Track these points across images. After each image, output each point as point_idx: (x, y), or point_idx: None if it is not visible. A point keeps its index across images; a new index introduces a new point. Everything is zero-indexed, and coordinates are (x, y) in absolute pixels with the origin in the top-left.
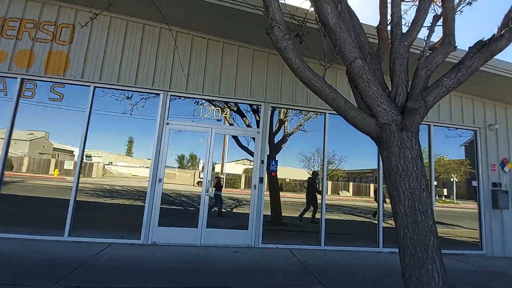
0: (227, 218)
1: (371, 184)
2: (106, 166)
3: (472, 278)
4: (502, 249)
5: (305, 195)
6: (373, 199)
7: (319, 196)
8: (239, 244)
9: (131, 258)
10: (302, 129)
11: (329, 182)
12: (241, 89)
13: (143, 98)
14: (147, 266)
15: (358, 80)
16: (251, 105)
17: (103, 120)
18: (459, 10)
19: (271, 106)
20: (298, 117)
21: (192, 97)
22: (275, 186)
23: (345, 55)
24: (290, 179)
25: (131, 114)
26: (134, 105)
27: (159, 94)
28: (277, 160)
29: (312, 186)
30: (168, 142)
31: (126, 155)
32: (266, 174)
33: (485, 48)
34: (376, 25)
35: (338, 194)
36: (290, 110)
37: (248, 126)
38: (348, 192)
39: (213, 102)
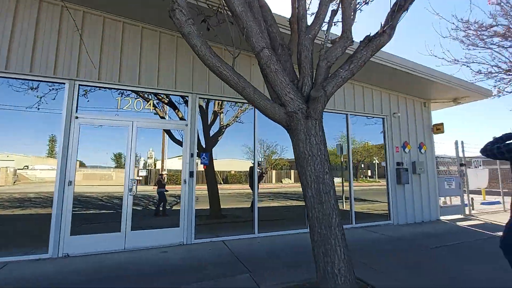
0: (163, 218)
1: None
2: (19, 171)
3: (377, 243)
4: (405, 217)
5: (248, 185)
6: None
7: (261, 186)
8: (171, 243)
9: (33, 278)
10: (239, 120)
11: (273, 171)
12: (165, 79)
13: (52, 89)
14: (54, 285)
15: (266, 70)
16: (182, 97)
17: (6, 116)
18: (358, 8)
19: (200, 98)
20: (233, 109)
21: (106, 87)
22: (213, 179)
23: (253, 44)
24: (235, 171)
25: (38, 109)
26: (41, 98)
27: (64, 83)
28: (208, 153)
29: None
30: (78, 138)
31: (48, 156)
32: (203, 167)
33: (371, 42)
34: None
35: (281, 181)
36: (225, 102)
37: (182, 119)
38: (290, 179)
39: (141, 94)
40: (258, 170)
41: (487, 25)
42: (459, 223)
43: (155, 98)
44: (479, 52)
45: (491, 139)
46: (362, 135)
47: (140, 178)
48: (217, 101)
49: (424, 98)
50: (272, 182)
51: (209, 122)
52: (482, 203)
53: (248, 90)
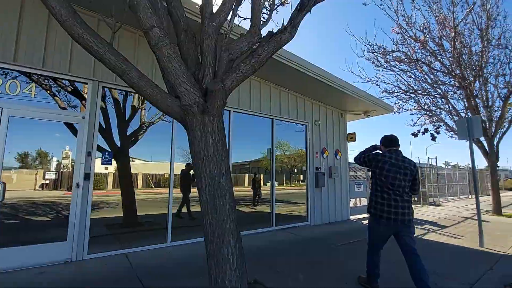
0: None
1: (245, 174)
2: None
3: (291, 245)
4: (321, 218)
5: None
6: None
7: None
8: (54, 261)
9: None
10: (166, 119)
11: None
12: (55, 58)
13: None
14: None
15: (158, 54)
16: (80, 83)
17: None
18: (275, 8)
19: (107, 87)
20: None
21: None
22: (129, 182)
23: (141, 20)
24: (168, 174)
25: None
26: None
27: None
28: (111, 152)
29: (185, 179)
30: None
31: None
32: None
33: (273, 38)
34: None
35: None
36: None
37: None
38: None
39: (32, 76)
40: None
41: (390, 50)
42: (364, 222)
43: (55, 83)
44: (386, 73)
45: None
46: (297, 142)
47: (47, 181)
48: (136, 94)
49: (341, 109)
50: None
51: (126, 118)
52: None
53: (131, 75)
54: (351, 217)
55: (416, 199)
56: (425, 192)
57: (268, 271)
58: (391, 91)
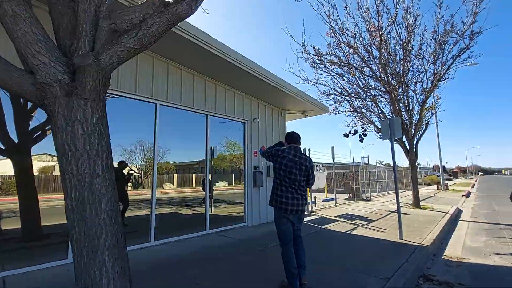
0: None
1: (193, 175)
2: None
3: (222, 249)
4: (258, 218)
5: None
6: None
7: (132, 192)
8: None
9: None
10: None
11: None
12: None
13: None
14: None
15: None
16: None
17: None
18: None
19: None
20: None
21: None
22: (30, 187)
23: None
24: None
25: None
26: None
27: None
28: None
29: (119, 179)
30: None
31: None
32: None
33: (167, 9)
34: None
35: (162, 187)
36: None
37: None
38: (173, 184)
39: None
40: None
41: (324, 52)
42: None
43: None
44: (324, 76)
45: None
46: (240, 140)
47: None
48: None
49: (281, 108)
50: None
51: (28, 108)
52: (323, 200)
53: None
54: None
55: (351, 195)
56: (359, 188)
57: (186, 284)
58: (328, 93)
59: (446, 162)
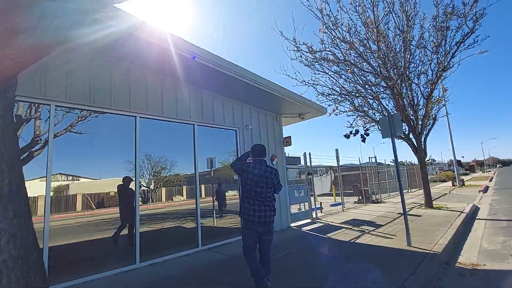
0: None
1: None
2: None
3: (212, 269)
4: None
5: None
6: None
7: (142, 207)
8: None
9: None
10: (76, 130)
11: (163, 189)
12: None
13: None
14: None
15: None
16: None
17: None
18: None
19: None
20: (65, 116)
21: None
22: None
23: None
24: (115, 192)
25: None
26: None
27: None
28: None
29: (124, 196)
30: None
31: None
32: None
33: None
34: None
35: (172, 199)
36: (41, 105)
37: None
38: (182, 196)
39: None
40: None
41: (317, 48)
42: (304, 228)
43: None
44: (322, 76)
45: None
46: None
47: None
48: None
49: (276, 112)
50: (162, 201)
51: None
52: (331, 205)
53: None
54: (293, 224)
55: (360, 198)
56: (368, 190)
57: None
58: (327, 94)
59: (462, 156)
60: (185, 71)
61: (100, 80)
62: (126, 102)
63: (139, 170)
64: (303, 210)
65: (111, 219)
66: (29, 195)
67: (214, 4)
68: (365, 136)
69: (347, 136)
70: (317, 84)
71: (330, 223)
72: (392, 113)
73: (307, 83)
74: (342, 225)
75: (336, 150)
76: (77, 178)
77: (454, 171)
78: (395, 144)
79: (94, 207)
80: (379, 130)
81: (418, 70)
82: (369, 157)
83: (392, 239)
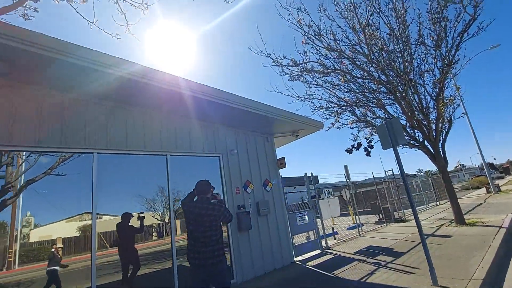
0: None
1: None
2: None
3: None
4: (252, 270)
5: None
6: None
7: (140, 246)
8: None
9: None
10: (57, 173)
11: (178, 221)
12: None
13: None
14: None
15: None
16: None
17: None
18: None
19: None
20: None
21: None
22: None
23: None
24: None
25: None
26: None
27: None
28: None
29: (124, 234)
30: None
31: None
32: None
33: None
34: None
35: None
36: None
37: None
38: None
39: None
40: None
41: (299, 61)
42: (310, 263)
43: None
44: (318, 90)
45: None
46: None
47: None
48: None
49: (266, 133)
50: (177, 234)
51: None
52: (348, 228)
53: None
54: (298, 258)
55: (381, 217)
56: (388, 208)
57: None
58: (325, 107)
59: (494, 158)
60: (154, 102)
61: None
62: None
63: (95, 208)
64: (312, 239)
65: None
66: None
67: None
68: (369, 149)
69: (349, 151)
70: (313, 98)
71: (341, 253)
72: (401, 120)
73: (302, 99)
74: (355, 256)
75: (345, 166)
76: (100, 216)
77: (486, 176)
78: (399, 155)
79: (108, 245)
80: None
81: (421, 69)
82: (385, 171)
83: (414, 275)
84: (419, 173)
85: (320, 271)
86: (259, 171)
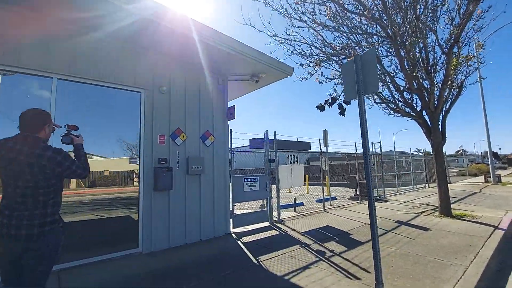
0: None
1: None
2: None
3: None
4: (167, 240)
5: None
6: None
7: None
8: None
9: None
10: None
11: None
12: None
13: None
14: None
15: None
16: None
17: None
18: None
19: None
20: None
21: None
22: None
23: None
24: (110, 172)
25: None
26: None
27: None
28: None
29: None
30: None
31: None
32: None
33: None
34: None
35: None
36: None
37: None
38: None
39: None
40: None
41: None
42: (245, 239)
43: None
44: (303, 31)
45: None
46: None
47: None
48: None
49: (217, 73)
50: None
51: None
52: (317, 200)
53: None
54: (238, 229)
55: (357, 192)
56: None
57: None
58: (307, 54)
59: (499, 148)
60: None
61: None
62: None
63: None
64: (266, 209)
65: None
66: None
67: None
68: (344, 105)
69: (320, 108)
70: (295, 40)
71: (290, 231)
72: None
73: (282, 39)
74: (301, 238)
75: (324, 131)
76: (91, 156)
77: (488, 164)
78: (365, 109)
79: (84, 186)
80: (375, 102)
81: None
82: (372, 143)
83: (358, 282)
84: (418, 153)
85: (247, 252)
86: (198, 119)
